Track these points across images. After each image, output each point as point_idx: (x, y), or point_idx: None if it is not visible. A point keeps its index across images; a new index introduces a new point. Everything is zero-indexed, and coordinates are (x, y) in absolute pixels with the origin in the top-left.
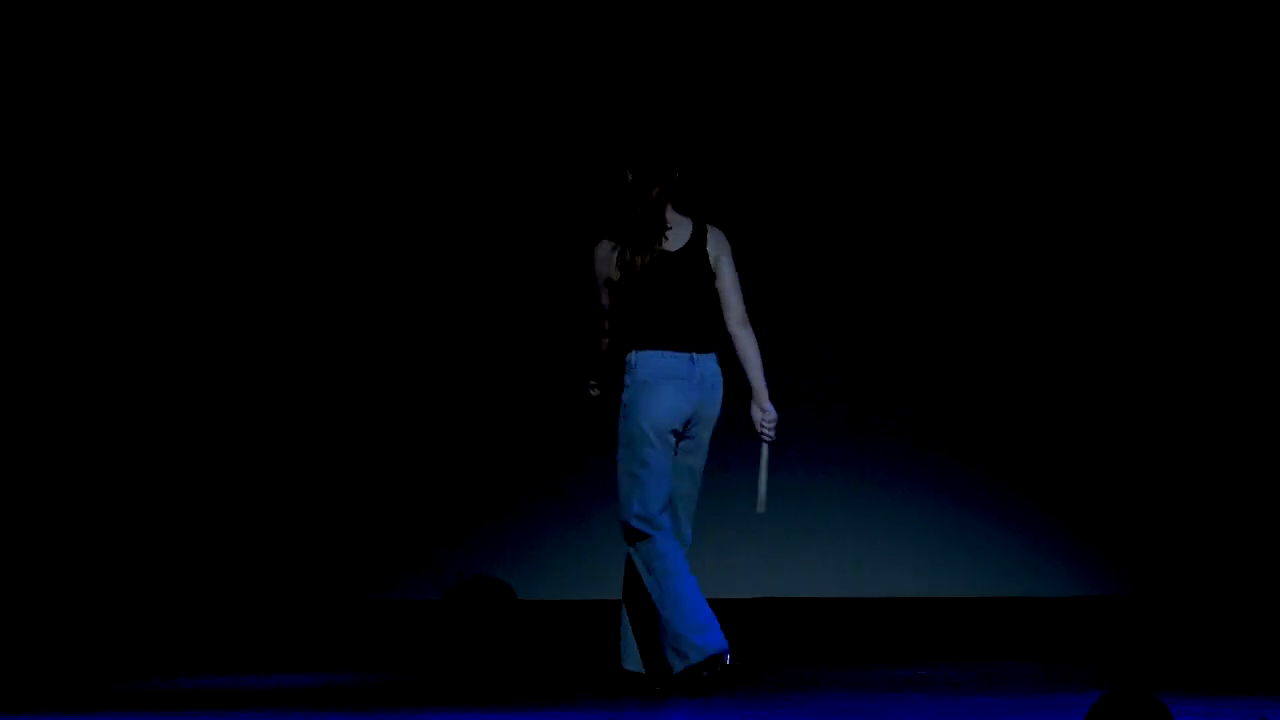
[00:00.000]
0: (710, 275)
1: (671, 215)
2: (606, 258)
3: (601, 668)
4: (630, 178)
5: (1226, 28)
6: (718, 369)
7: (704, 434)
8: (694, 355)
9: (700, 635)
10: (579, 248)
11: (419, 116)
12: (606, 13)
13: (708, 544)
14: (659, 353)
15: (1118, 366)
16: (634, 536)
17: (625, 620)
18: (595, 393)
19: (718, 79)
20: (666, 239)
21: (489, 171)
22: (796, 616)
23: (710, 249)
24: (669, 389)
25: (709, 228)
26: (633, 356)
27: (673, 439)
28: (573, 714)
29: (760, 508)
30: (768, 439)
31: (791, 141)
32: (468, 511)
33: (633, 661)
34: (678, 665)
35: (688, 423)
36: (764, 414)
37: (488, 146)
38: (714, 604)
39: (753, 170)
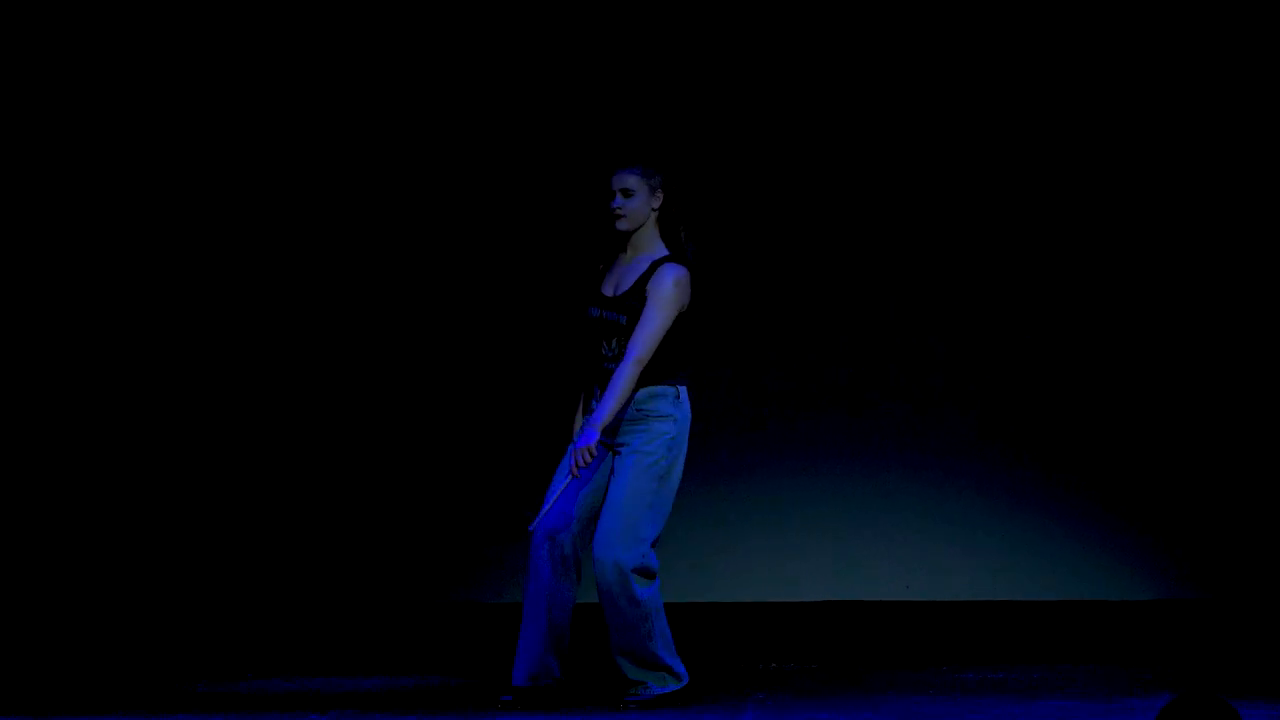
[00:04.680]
0: None
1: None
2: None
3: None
4: (661, 199)
5: (1226, 28)
6: None
7: None
8: None
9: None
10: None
11: (426, 122)
12: (605, 13)
13: (765, 547)
14: (686, 387)
15: (1191, 366)
16: (647, 576)
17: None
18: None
19: (720, 78)
20: None
21: (510, 175)
22: (866, 620)
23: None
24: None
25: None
26: (679, 389)
27: None
28: (645, 715)
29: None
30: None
31: (810, 137)
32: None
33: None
34: (670, 685)
35: None
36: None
37: (507, 153)
38: (788, 608)
39: (766, 165)
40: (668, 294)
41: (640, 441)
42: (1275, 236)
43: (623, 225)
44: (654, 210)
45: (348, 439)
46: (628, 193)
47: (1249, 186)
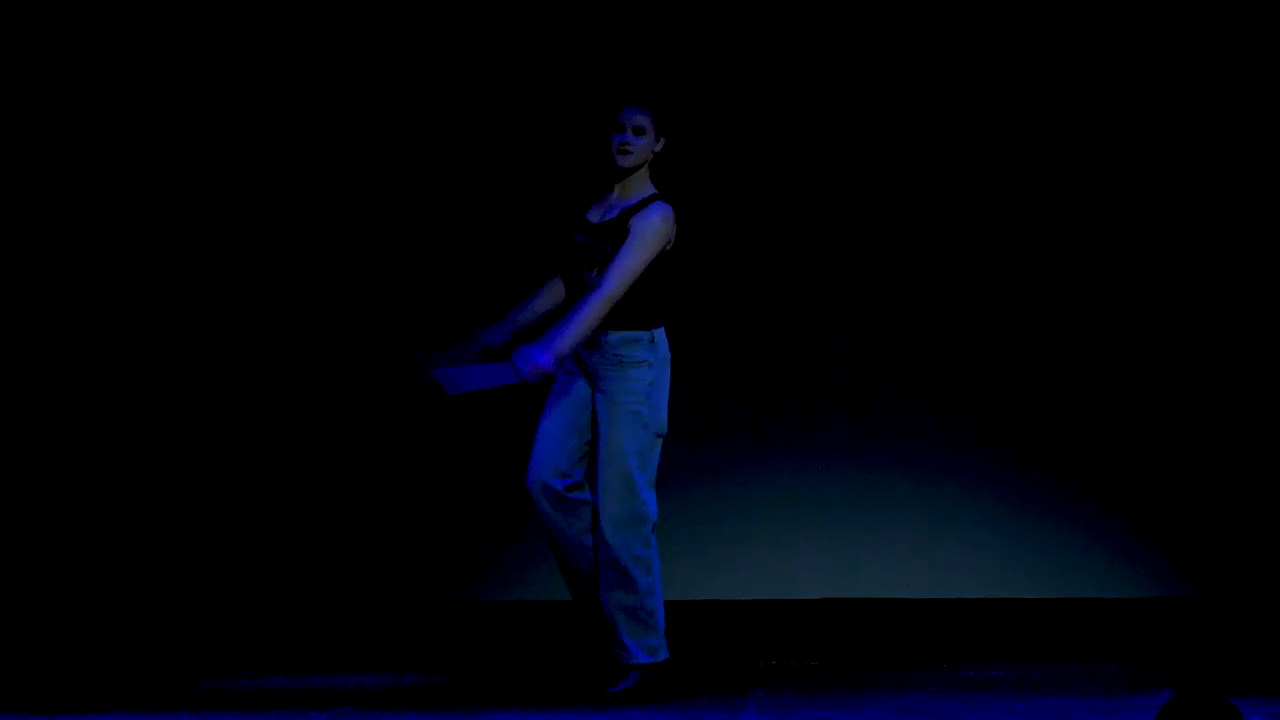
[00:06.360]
0: None
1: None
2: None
3: (686, 665)
4: (663, 144)
5: (1226, 28)
6: None
7: None
8: None
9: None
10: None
11: (426, 119)
12: (602, 10)
13: (766, 544)
14: (663, 329)
15: (1190, 365)
16: (652, 526)
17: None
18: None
19: (719, 74)
20: None
21: (498, 173)
22: (867, 618)
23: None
24: (670, 368)
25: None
26: (654, 333)
27: None
28: (647, 714)
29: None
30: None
31: (813, 137)
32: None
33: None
34: (662, 655)
35: None
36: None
37: (501, 149)
38: (789, 606)
39: (765, 164)
40: (652, 229)
41: (618, 390)
42: (1275, 236)
43: (626, 161)
44: (654, 154)
45: (347, 436)
46: (639, 130)
47: (1249, 186)
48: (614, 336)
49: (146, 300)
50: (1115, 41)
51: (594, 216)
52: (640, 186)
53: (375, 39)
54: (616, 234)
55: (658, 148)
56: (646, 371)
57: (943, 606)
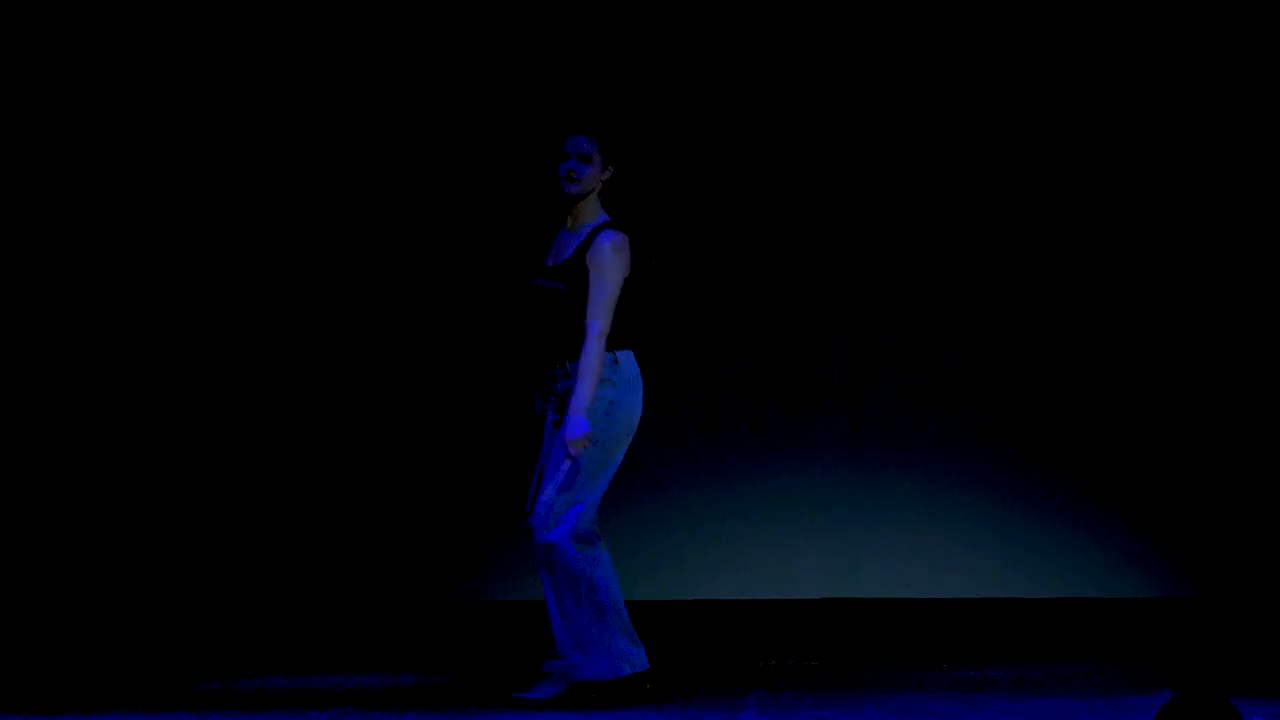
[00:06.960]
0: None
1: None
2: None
3: (670, 666)
4: (611, 172)
5: (1226, 28)
6: None
7: None
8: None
9: (639, 647)
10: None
11: (431, 119)
12: (600, 11)
13: (767, 545)
14: (631, 352)
15: (1189, 364)
16: (581, 542)
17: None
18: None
19: (720, 73)
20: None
21: (498, 173)
22: (867, 618)
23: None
24: (641, 391)
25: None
26: (618, 355)
27: None
28: (646, 714)
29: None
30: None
31: (812, 137)
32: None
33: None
34: (624, 670)
35: None
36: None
37: (500, 150)
38: (784, 605)
39: (765, 165)
40: (609, 261)
41: None
42: (1275, 236)
43: (573, 189)
44: (603, 181)
45: (347, 436)
46: (585, 158)
47: (1249, 186)
48: (577, 363)
49: (147, 300)
50: (1115, 41)
51: (550, 259)
52: (590, 214)
53: (378, 45)
54: (569, 275)
55: (606, 175)
56: (607, 390)
57: (943, 606)
